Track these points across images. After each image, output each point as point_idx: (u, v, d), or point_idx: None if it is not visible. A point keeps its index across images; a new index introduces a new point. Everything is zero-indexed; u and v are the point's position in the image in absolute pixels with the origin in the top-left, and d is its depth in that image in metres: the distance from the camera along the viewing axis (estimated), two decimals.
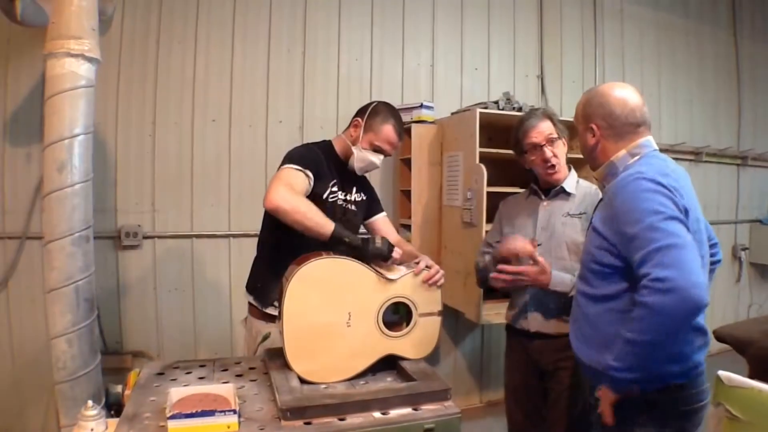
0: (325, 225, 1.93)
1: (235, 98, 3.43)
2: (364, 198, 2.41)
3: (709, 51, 5.25)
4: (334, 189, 2.25)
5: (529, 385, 2.37)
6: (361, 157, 2.24)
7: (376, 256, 1.92)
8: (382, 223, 2.49)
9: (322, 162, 2.21)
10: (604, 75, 4.58)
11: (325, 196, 2.21)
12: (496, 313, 3.26)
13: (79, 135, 2.39)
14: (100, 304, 3.05)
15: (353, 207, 2.34)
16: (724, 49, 5.36)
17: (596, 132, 1.73)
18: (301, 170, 2.09)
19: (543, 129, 2.26)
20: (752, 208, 5.62)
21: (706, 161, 5.16)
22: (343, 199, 2.30)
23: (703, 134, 5.19)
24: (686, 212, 1.53)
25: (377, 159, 2.24)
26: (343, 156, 2.30)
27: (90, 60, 2.42)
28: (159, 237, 3.30)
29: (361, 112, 2.28)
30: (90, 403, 1.59)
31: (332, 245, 1.93)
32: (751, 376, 2.01)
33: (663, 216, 1.47)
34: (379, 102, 2.31)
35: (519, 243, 2.17)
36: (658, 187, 1.52)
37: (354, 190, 2.36)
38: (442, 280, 1.97)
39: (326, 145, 2.34)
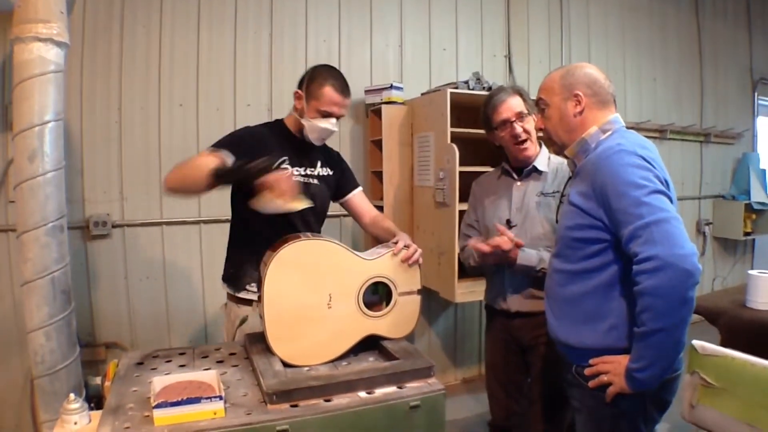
0: (206, 162, 1.86)
1: (201, 82, 3.37)
2: (331, 173, 2.34)
3: (672, 30, 5.34)
4: (285, 166, 2.17)
5: (510, 362, 2.39)
6: (312, 127, 2.16)
7: (261, 172, 1.80)
8: (359, 199, 2.44)
9: (264, 141, 2.16)
10: (570, 54, 4.62)
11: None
12: (470, 291, 3.28)
13: (49, 122, 2.33)
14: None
15: (316, 181, 2.27)
16: (686, 28, 5.45)
17: (582, 99, 1.70)
18: (213, 152, 2.00)
19: (512, 105, 2.24)
20: (715, 184, 5.77)
21: (670, 138, 5.26)
22: (303, 174, 2.23)
23: (667, 112, 5.29)
24: (666, 184, 1.55)
25: (329, 124, 2.15)
26: (297, 131, 2.23)
27: (59, 44, 2.35)
28: (128, 225, 3.25)
29: (300, 83, 2.21)
30: (72, 396, 1.57)
31: (218, 181, 1.84)
32: (723, 345, 2.06)
33: (648, 190, 1.48)
34: (315, 66, 2.22)
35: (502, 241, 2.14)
36: (639, 160, 1.53)
37: (319, 164, 2.29)
38: (420, 259, 1.97)
39: (276, 124, 2.30)
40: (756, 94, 5.99)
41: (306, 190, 2.20)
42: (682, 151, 5.44)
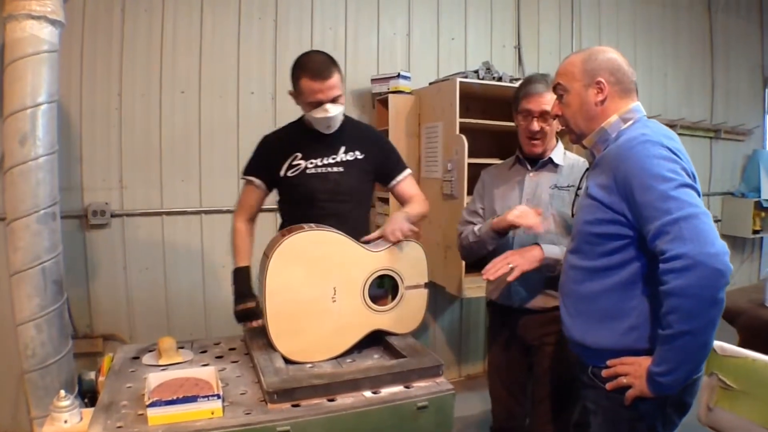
0: (235, 261, 2.21)
1: (204, 68, 3.29)
2: (361, 157, 2.26)
3: (684, 24, 5.24)
4: (296, 162, 2.17)
5: (513, 362, 2.31)
6: (312, 120, 2.14)
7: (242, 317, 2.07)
8: (406, 186, 2.38)
9: (280, 143, 2.22)
10: (581, 46, 4.51)
11: (283, 174, 2.18)
12: (477, 287, 3.21)
13: (42, 104, 2.25)
14: (68, 286, 2.95)
15: (339, 168, 2.21)
16: (698, 22, 5.35)
17: (605, 87, 1.61)
18: (249, 180, 2.25)
19: (544, 101, 2.11)
20: (724, 181, 5.66)
21: (680, 134, 5.14)
22: (320, 165, 2.19)
23: (677, 107, 5.19)
24: (693, 177, 1.47)
25: (324, 113, 2.08)
26: (311, 124, 2.19)
27: (53, 23, 2.26)
28: (128, 215, 3.17)
29: (291, 82, 2.18)
30: (63, 393, 1.50)
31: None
32: (742, 345, 1.99)
33: (675, 183, 1.39)
34: (296, 59, 2.15)
35: (531, 218, 2.03)
36: (665, 151, 1.45)
37: (342, 150, 2.23)
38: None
39: (296, 122, 2.29)
40: (767, 90, 5.89)
41: (325, 179, 2.18)
42: (691, 147, 5.33)
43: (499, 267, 1.95)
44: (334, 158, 2.21)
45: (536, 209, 2.05)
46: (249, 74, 3.40)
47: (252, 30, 3.40)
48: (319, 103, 2.08)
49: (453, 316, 4.16)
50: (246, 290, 2.10)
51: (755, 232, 5.51)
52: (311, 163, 2.18)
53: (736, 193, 5.66)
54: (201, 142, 3.29)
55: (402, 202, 2.39)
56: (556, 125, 2.11)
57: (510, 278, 1.95)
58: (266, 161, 2.22)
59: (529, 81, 2.20)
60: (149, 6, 3.14)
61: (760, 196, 5.46)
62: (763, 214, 5.53)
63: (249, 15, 3.38)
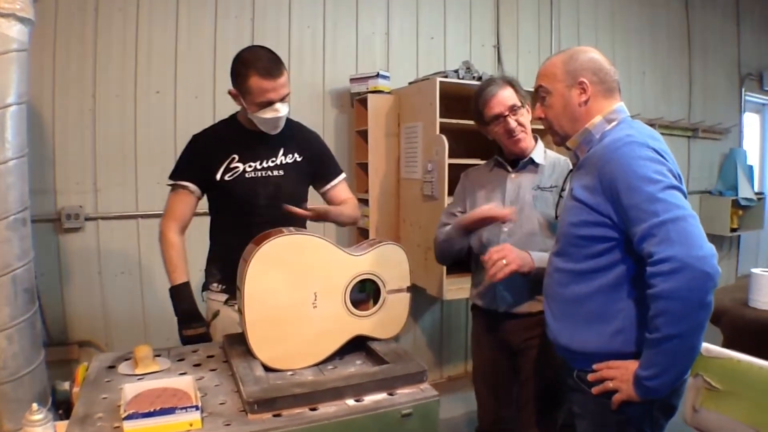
0: (170, 276, 2.09)
1: (180, 68, 3.23)
2: (299, 159, 2.19)
3: (662, 21, 5.29)
4: (233, 165, 2.08)
5: (499, 365, 2.29)
6: (259, 121, 2.03)
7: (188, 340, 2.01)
8: (340, 191, 2.32)
9: (214, 144, 2.10)
10: (560, 45, 4.53)
11: (219, 177, 2.08)
12: (458, 288, 3.20)
13: (11, 105, 2.18)
14: (42, 291, 2.90)
15: (279, 172, 2.14)
16: (676, 19, 5.40)
17: (588, 87, 1.60)
18: (181, 185, 2.10)
19: (504, 98, 2.12)
20: (702, 180, 5.73)
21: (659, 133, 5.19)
22: (259, 168, 2.11)
23: (655, 106, 5.23)
24: (679, 179, 1.46)
25: (274, 113, 2.00)
26: (249, 124, 2.10)
27: (22, 20, 2.19)
28: (102, 218, 3.11)
29: (232, 79, 2.06)
30: (35, 406, 1.44)
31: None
32: (726, 346, 1.99)
33: (662, 185, 1.38)
34: (236, 56, 2.03)
35: (493, 207, 2.03)
36: (651, 152, 1.44)
37: (281, 152, 2.16)
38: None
39: (229, 121, 2.20)
40: (743, 89, 5.98)
41: (265, 184, 2.11)
42: (670, 146, 5.04)
43: (496, 261, 1.92)
44: (273, 161, 2.14)
45: (510, 207, 2.04)
46: (226, 74, 3.24)
47: (228, 28, 3.35)
48: (269, 103, 1.98)
49: (434, 318, 4.14)
50: (194, 311, 2.03)
51: (733, 230, 5.59)
52: (250, 165, 2.10)
53: (714, 192, 5.74)
54: (177, 144, 3.21)
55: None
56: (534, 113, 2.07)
57: (500, 275, 1.92)
58: (200, 163, 2.09)
59: (479, 93, 2.18)
60: (123, 4, 3.08)
61: (737, 195, 5.53)
62: (740, 212, 5.62)
63: (225, 13, 3.34)
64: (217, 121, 2.24)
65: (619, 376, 1.47)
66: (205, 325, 2.02)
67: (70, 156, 3.03)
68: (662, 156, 1.45)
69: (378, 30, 3.81)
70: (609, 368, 1.50)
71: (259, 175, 2.11)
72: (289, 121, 2.17)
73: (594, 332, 1.53)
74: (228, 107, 3.28)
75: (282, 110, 2.01)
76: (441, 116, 3.11)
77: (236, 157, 2.09)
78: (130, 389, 1.48)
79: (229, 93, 2.06)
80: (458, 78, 3.25)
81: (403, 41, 3.91)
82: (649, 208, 1.36)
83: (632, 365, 1.44)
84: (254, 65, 1.94)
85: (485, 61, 4.21)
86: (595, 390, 1.52)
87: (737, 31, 5.88)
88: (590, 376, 1.54)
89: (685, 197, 1.42)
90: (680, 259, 1.29)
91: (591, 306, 1.54)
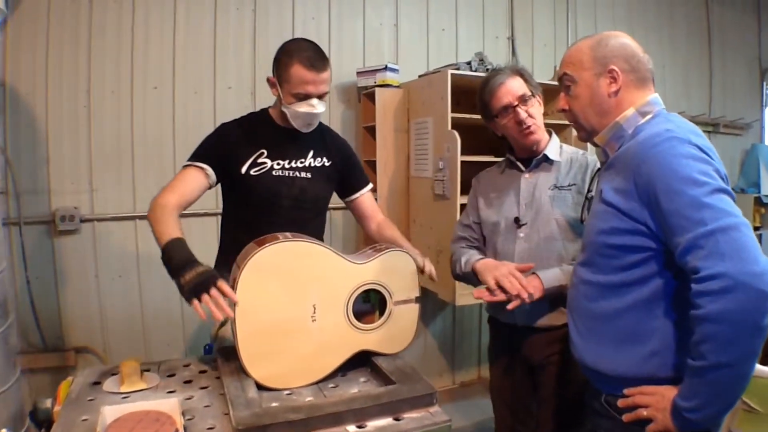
0: (162, 237, 1.74)
1: (178, 63, 3.10)
2: (327, 164, 2.12)
3: (681, 15, 5.12)
4: (261, 160, 1.99)
5: (518, 382, 2.13)
6: (293, 114, 1.94)
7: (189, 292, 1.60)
8: (367, 202, 2.25)
9: (243, 136, 2.02)
10: (576, 37, 4.35)
11: (244, 171, 1.98)
12: (471, 293, 3.04)
13: None
14: (36, 296, 2.83)
15: (307, 174, 2.06)
16: (695, 13, 5.24)
17: (619, 76, 1.43)
18: (197, 166, 1.96)
19: (513, 87, 1.94)
20: None
21: None
22: (287, 167, 2.03)
23: (675, 100, 5.05)
24: (726, 180, 1.28)
25: (310, 108, 1.92)
26: (282, 120, 2.02)
27: None
28: (99, 219, 2.99)
29: (273, 67, 1.98)
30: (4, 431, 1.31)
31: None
32: (763, 363, 1.81)
33: (709, 188, 1.20)
34: (283, 44, 1.97)
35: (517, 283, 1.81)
36: (695, 149, 1.26)
37: (310, 154, 2.08)
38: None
39: (259, 114, 2.11)
40: (765, 84, 5.80)
41: (291, 184, 2.02)
42: None
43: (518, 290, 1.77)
44: (302, 162, 2.06)
45: (527, 265, 1.86)
46: (226, 68, 3.22)
47: (229, 21, 3.22)
48: (306, 97, 1.90)
49: (446, 323, 4.00)
50: (190, 256, 1.67)
51: (755, 228, 5.38)
52: (278, 163, 2.02)
53: (735, 189, 5.53)
54: (175, 141, 3.11)
55: (359, 217, 2.27)
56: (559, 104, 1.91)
57: (510, 307, 1.78)
58: (226, 152, 1.99)
59: (485, 83, 2.02)
60: None
61: (759, 192, 5.34)
62: (763, 210, 5.42)
63: (225, 5, 3.20)
64: (246, 114, 2.15)
65: (654, 403, 1.29)
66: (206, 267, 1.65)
67: (65, 155, 2.92)
68: (707, 154, 1.27)
69: (386, 21, 3.66)
70: (642, 394, 1.33)
71: (287, 174, 2.03)
72: (321, 124, 2.11)
73: (625, 353, 1.36)
74: (229, 103, 3.20)
75: (318, 107, 1.94)
76: (453, 111, 2.97)
77: (265, 152, 2.01)
78: (110, 412, 1.35)
79: (268, 81, 2.00)
80: (471, 70, 3.11)
81: (413, 33, 3.76)
82: (695, 216, 1.18)
83: (669, 392, 1.27)
84: (299, 54, 1.89)
85: (499, 54, 4.05)
86: (626, 417, 1.35)
87: (758, 24, 5.71)
88: (621, 402, 1.37)
89: (734, 201, 1.23)
90: (733, 276, 1.11)
91: (622, 324, 1.37)
